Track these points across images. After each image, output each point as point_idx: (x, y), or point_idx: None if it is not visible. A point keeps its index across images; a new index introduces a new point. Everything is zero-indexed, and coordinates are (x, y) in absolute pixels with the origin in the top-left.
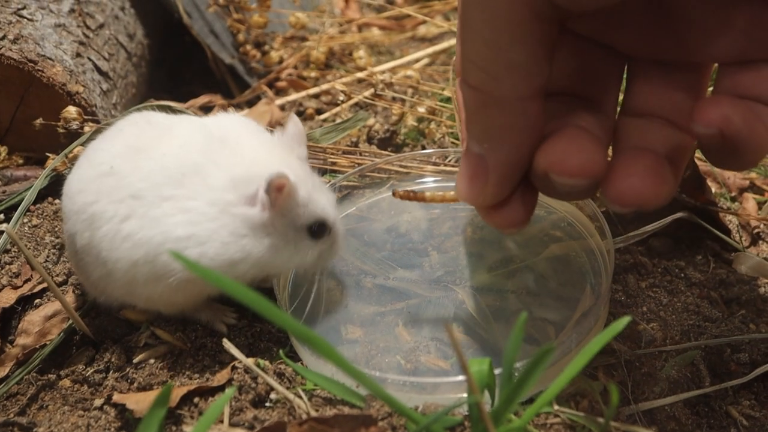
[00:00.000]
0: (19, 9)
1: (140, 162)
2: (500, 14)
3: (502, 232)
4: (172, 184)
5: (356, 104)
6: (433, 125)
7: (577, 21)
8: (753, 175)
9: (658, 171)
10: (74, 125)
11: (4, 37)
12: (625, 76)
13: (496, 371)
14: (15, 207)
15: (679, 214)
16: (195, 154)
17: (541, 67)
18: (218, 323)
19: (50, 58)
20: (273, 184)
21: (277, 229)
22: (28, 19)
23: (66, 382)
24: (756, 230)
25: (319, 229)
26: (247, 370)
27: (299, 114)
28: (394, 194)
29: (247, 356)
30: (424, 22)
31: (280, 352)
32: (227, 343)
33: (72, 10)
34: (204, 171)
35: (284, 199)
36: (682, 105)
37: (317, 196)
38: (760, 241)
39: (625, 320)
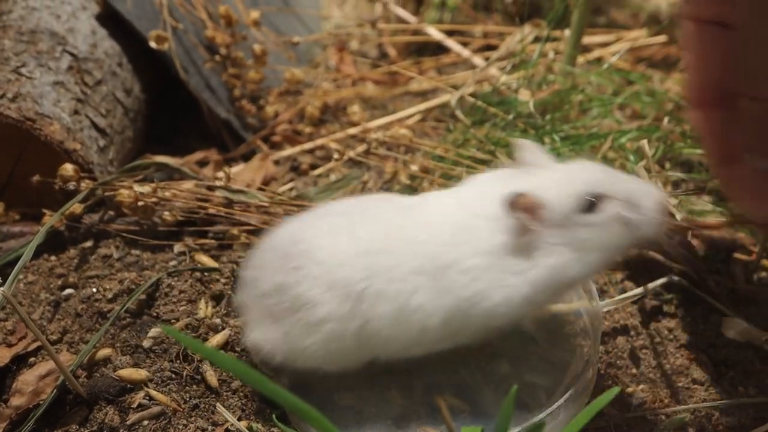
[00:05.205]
0: (18, 67)
1: (406, 237)
2: None
3: None
4: (448, 250)
5: (351, 159)
6: (425, 183)
7: None
8: (741, 234)
9: None
10: (71, 182)
11: (3, 96)
12: None
13: None
14: (10, 263)
15: (665, 279)
16: (452, 214)
17: None
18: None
19: (48, 116)
20: (515, 205)
21: (551, 241)
22: (27, 77)
23: None
24: (744, 294)
25: (590, 201)
26: None
27: (294, 169)
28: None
29: (240, 418)
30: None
31: (273, 416)
32: (220, 407)
33: (70, 67)
34: (467, 224)
35: (535, 209)
36: None
37: (562, 176)
38: (751, 306)
39: (614, 391)
